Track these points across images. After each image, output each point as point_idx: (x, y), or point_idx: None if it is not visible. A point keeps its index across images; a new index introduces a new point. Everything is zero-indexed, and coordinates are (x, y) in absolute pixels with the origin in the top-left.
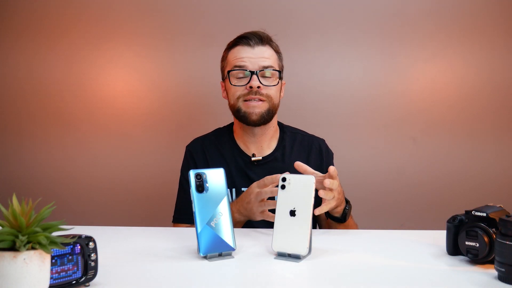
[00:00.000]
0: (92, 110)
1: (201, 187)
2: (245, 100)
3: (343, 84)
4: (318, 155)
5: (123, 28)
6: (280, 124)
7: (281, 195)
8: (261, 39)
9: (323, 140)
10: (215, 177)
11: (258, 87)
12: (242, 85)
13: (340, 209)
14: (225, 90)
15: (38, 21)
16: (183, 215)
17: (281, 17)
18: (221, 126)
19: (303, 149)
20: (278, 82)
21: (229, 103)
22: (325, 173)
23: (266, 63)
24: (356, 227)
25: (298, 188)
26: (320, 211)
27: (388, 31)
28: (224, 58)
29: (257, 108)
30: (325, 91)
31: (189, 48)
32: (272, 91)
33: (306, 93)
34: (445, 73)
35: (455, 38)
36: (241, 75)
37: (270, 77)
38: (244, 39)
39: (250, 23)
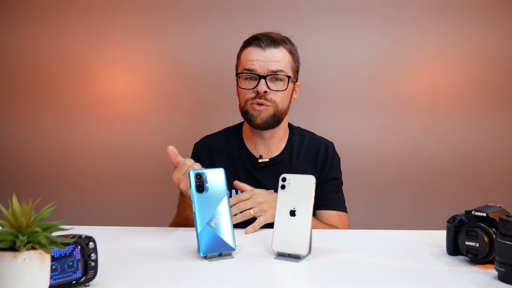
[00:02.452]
0: (92, 109)
1: (201, 187)
2: (252, 104)
3: (342, 84)
4: (324, 158)
5: (124, 20)
6: (290, 126)
7: (281, 195)
8: (273, 40)
9: (331, 143)
10: (215, 177)
11: (265, 92)
12: (250, 89)
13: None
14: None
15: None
16: None
17: (278, 16)
18: (223, 125)
19: (311, 151)
20: (287, 87)
21: (239, 105)
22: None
23: (275, 67)
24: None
25: (298, 188)
26: (253, 229)
27: (388, 31)
28: (238, 57)
29: (262, 112)
30: (324, 90)
31: (191, 45)
32: (279, 97)
33: (305, 93)
34: (445, 73)
35: (455, 38)
36: (250, 78)
37: (280, 81)
38: (256, 40)
39: (250, 19)
